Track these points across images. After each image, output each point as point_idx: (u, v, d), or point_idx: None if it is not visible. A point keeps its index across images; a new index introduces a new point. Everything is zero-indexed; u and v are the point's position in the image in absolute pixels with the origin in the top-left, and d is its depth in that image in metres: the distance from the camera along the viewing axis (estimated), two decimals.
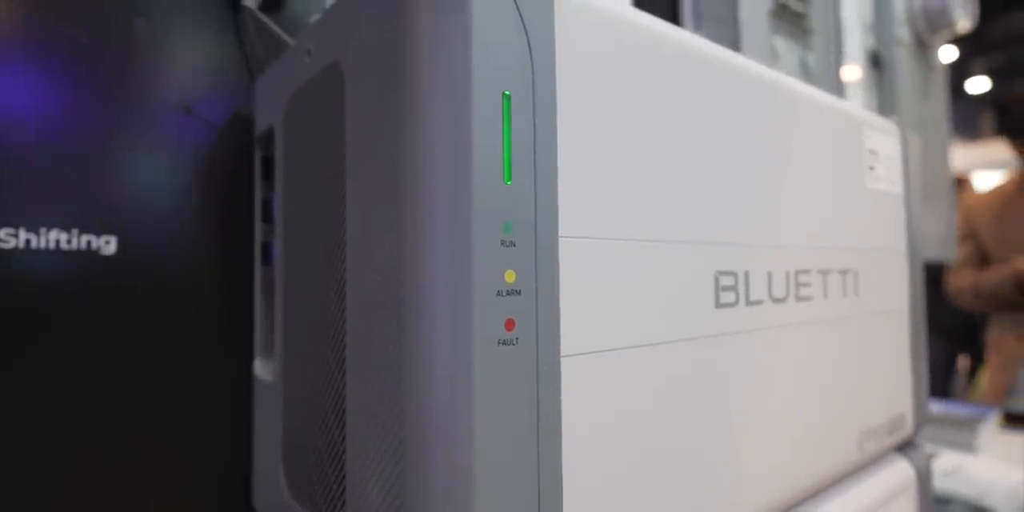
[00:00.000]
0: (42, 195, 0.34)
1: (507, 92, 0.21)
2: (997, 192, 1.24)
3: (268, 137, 0.37)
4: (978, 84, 3.72)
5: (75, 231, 0.35)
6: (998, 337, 1.23)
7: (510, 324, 0.21)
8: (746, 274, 0.30)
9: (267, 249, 0.38)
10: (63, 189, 0.34)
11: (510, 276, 0.21)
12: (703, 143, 0.29)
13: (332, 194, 0.27)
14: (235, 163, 0.40)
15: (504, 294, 0.21)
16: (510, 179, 0.21)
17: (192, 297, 0.38)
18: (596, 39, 0.24)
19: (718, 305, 0.29)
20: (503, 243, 0.21)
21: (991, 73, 3.65)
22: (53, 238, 0.34)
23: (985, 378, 1.25)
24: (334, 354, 0.27)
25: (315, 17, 0.41)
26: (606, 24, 0.25)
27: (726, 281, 0.29)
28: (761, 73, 0.33)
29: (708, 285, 0.28)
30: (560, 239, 0.22)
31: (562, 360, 0.22)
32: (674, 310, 0.27)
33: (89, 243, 0.35)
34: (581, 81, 0.23)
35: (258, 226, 0.39)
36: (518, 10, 0.21)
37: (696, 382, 0.28)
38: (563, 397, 0.22)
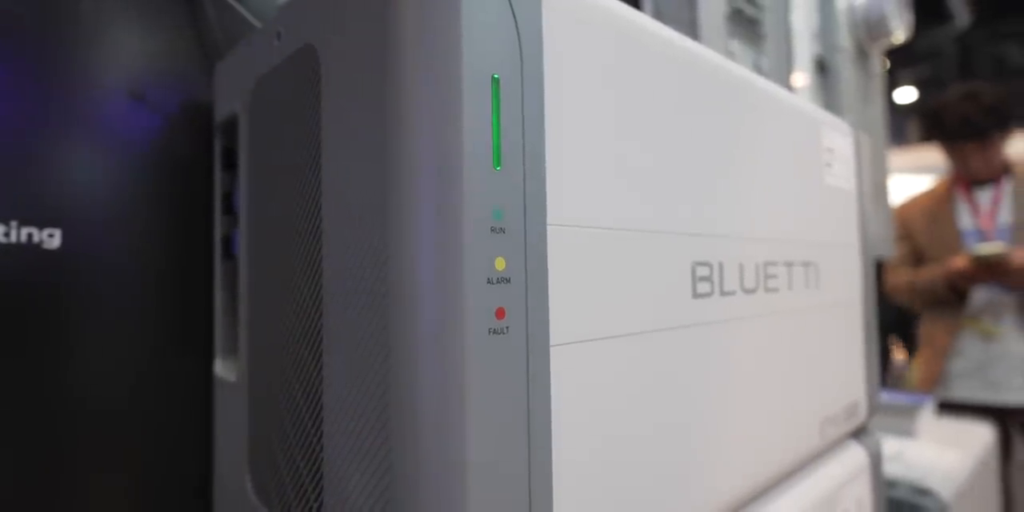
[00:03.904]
0: None
1: (496, 75, 0.21)
2: (930, 194, 1.32)
3: (230, 125, 0.35)
4: (905, 94, 3.96)
5: (14, 223, 0.32)
6: (929, 330, 1.31)
7: (501, 313, 0.20)
8: (720, 265, 0.31)
9: (228, 242, 0.37)
10: (0, 178, 0.32)
11: (500, 263, 0.20)
12: (681, 134, 0.29)
13: (306, 182, 0.26)
14: (190, 152, 0.38)
15: (494, 282, 0.20)
16: (500, 164, 0.21)
17: (143, 293, 0.36)
18: (582, 27, 0.24)
19: (695, 295, 0.29)
20: (493, 230, 0.20)
21: (917, 84, 3.89)
22: None
23: (918, 368, 1.32)
24: (309, 349, 0.26)
25: None
26: (592, 12, 0.25)
27: (702, 272, 0.30)
28: (736, 71, 0.33)
29: (686, 275, 0.29)
30: (548, 227, 0.22)
31: (551, 349, 0.22)
32: (655, 300, 0.27)
33: (30, 236, 0.32)
34: (566, 68, 0.23)
35: (218, 218, 0.37)
36: None
37: (677, 372, 0.28)
38: (552, 387, 0.22)
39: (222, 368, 0.36)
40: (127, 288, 0.35)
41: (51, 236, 0.33)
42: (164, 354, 0.37)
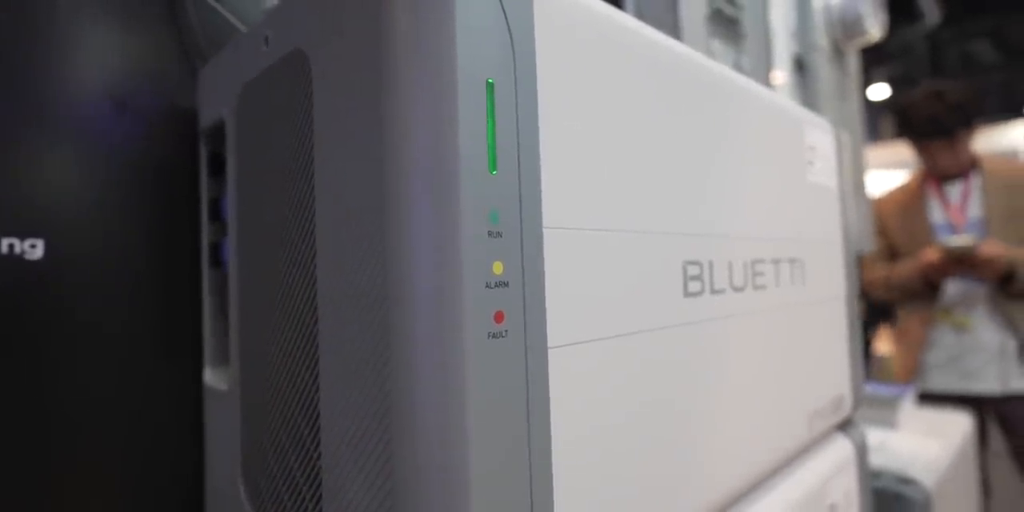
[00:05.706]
0: None
1: (490, 80, 0.21)
2: (903, 189, 1.35)
3: (217, 130, 0.34)
4: (879, 91, 4.04)
5: None
6: (905, 323, 1.34)
7: (499, 316, 0.20)
8: (710, 263, 0.31)
9: (216, 250, 0.36)
10: None
11: (498, 267, 0.20)
12: (669, 135, 0.29)
13: (298, 187, 0.26)
14: (174, 159, 0.38)
15: (493, 286, 0.20)
16: (495, 168, 0.21)
17: (128, 304, 0.35)
18: (573, 30, 0.24)
19: (686, 294, 0.30)
20: (490, 234, 0.20)
21: (890, 81, 3.98)
22: None
23: (896, 360, 1.35)
24: (304, 355, 0.25)
25: (271, 2, 0.39)
26: (582, 15, 0.25)
27: (693, 270, 0.30)
28: (721, 72, 0.34)
29: (677, 274, 0.29)
30: (544, 230, 0.22)
31: (549, 352, 0.22)
32: (648, 299, 0.27)
33: (12, 247, 0.32)
34: (559, 72, 0.23)
35: (205, 226, 0.37)
36: None
37: (670, 370, 0.28)
38: (551, 389, 0.22)
39: (212, 377, 0.36)
40: (112, 299, 0.35)
41: (33, 247, 0.32)
42: (151, 364, 0.36)
